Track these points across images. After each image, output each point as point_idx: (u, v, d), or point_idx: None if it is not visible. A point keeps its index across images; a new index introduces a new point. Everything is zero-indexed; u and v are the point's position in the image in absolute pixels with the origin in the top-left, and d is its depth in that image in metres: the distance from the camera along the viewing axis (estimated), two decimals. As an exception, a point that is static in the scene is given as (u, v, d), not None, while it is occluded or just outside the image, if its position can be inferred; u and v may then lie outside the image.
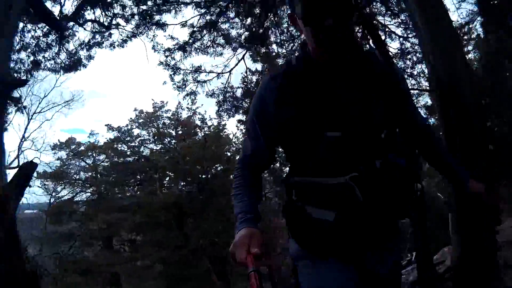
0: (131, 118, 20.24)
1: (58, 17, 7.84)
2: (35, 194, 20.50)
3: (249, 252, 1.36)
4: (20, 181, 4.67)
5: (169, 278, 17.00)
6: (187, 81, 10.53)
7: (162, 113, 20.19)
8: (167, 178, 20.09)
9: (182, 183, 19.51)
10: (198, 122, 19.94)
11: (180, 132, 20.14)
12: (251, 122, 1.68)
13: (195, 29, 9.38)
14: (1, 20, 4.53)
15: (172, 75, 10.27)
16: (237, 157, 1.85)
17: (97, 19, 8.85)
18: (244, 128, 2.18)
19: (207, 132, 19.54)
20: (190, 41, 9.50)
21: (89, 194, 20.59)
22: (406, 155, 1.63)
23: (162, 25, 9.11)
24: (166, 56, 9.74)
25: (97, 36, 9.02)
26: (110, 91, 53.83)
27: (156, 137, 20.09)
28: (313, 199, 1.54)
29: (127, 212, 17.47)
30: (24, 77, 8.25)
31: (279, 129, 1.59)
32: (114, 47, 9.22)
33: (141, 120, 20.23)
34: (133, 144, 20.34)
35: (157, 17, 9.02)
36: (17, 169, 5.16)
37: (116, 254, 18.72)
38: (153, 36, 9.23)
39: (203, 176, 18.70)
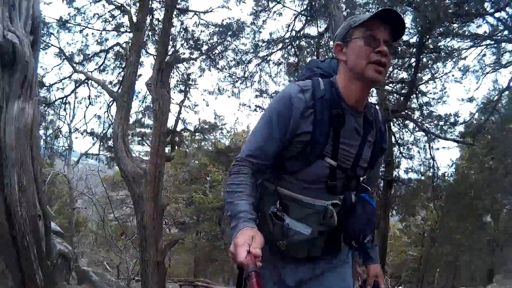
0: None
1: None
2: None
3: (249, 252, 1.37)
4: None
5: (199, 254, 21.39)
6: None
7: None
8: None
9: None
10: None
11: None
12: (269, 121, 1.67)
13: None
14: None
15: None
16: (239, 154, 1.80)
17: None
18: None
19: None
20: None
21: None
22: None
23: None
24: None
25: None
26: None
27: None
28: (295, 212, 1.63)
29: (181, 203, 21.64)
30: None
31: (291, 137, 1.64)
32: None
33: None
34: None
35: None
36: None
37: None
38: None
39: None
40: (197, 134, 14.87)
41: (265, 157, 1.70)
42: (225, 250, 19.57)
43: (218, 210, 19.80)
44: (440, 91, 11.56)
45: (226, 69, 11.68)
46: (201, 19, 10.40)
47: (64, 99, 11.42)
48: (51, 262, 3.26)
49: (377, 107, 1.88)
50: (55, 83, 11.14)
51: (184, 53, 10.94)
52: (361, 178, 1.76)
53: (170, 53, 8.63)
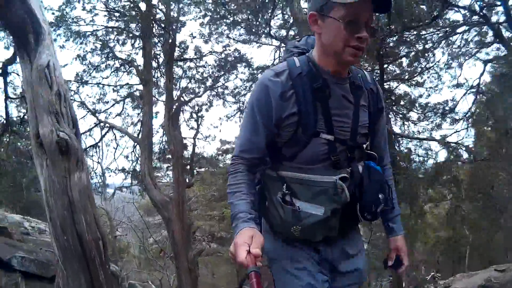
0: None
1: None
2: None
3: (249, 252, 1.38)
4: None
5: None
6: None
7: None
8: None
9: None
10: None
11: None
12: (251, 113, 1.67)
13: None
14: None
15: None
16: (233, 152, 1.79)
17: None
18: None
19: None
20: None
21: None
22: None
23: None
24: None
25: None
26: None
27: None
28: (303, 194, 1.61)
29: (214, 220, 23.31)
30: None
31: (277, 122, 1.63)
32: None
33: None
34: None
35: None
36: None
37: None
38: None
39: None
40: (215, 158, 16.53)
41: (257, 150, 1.69)
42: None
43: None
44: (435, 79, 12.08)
45: (228, 99, 12.96)
46: (198, 65, 11.80)
47: (95, 146, 13.20)
48: (108, 272, 4.91)
49: (364, 71, 1.85)
50: (84, 132, 12.94)
51: (191, 90, 12.74)
52: (364, 146, 1.74)
53: (176, 97, 10.46)
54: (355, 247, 1.82)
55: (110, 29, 11.23)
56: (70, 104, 4.40)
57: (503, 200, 14.01)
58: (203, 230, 22.38)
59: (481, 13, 9.54)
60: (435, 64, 11.63)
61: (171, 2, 10.39)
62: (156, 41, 10.53)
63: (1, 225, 6.98)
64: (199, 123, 12.64)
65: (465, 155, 13.31)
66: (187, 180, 11.04)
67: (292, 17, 9.86)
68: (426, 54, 10.82)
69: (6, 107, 9.86)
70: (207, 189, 25.37)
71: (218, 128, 16.38)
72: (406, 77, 12.23)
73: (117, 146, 13.24)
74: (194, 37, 10.80)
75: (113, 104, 12.78)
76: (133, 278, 18.45)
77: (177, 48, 11.22)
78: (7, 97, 9.74)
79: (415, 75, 12.07)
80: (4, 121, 9.85)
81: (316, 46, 1.68)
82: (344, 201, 1.58)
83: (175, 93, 11.30)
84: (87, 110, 12.54)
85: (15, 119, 10.38)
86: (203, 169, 15.10)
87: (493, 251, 17.36)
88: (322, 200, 1.58)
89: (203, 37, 10.81)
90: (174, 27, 9.64)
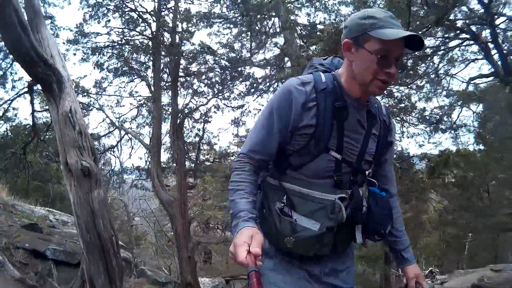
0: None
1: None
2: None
3: (249, 252, 1.36)
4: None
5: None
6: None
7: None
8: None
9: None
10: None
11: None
12: (269, 115, 1.66)
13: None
14: None
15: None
16: (241, 149, 1.78)
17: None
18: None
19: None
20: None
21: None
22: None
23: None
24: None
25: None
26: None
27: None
28: (302, 208, 1.62)
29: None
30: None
31: (293, 130, 1.63)
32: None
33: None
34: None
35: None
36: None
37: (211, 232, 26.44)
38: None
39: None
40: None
41: (267, 153, 1.69)
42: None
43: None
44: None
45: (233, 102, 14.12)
46: (201, 81, 13.01)
47: (112, 148, 15.09)
48: (120, 260, 6.53)
49: (381, 102, 1.88)
50: (103, 136, 14.76)
51: (195, 100, 14.30)
52: (367, 172, 1.76)
53: (181, 109, 12.13)
54: (344, 263, 1.85)
55: (125, 43, 12.71)
56: (89, 138, 5.95)
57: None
58: (216, 218, 23.76)
59: (470, 30, 9.85)
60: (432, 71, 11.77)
61: (177, 23, 12.01)
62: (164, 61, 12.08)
63: (32, 222, 8.15)
64: (204, 128, 14.30)
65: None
66: (191, 181, 12.71)
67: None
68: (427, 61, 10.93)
69: (33, 118, 11.62)
70: (217, 182, 27.25)
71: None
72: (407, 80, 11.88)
73: (132, 148, 15.08)
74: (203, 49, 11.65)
75: (130, 109, 14.53)
76: (148, 264, 20.37)
77: (183, 61, 12.76)
78: (33, 110, 11.51)
79: (416, 78, 11.88)
80: (32, 130, 11.61)
81: (344, 70, 1.69)
82: (340, 220, 1.62)
83: (181, 102, 12.81)
84: (106, 116, 14.31)
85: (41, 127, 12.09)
86: (211, 162, 16.58)
87: (501, 250, 17.73)
88: (320, 216, 1.60)
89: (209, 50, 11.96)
90: (177, 51, 11.18)
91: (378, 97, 1.93)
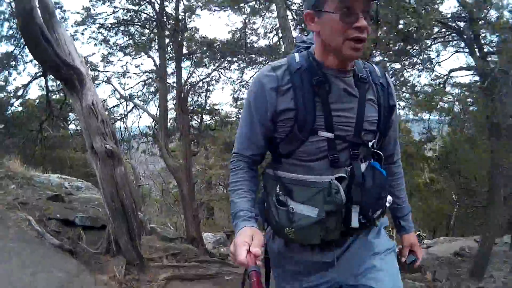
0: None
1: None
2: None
3: (249, 251, 1.36)
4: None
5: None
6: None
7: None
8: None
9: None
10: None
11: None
12: (248, 109, 1.64)
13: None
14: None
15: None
16: (233, 149, 1.77)
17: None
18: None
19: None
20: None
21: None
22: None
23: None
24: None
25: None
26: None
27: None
28: (298, 195, 1.56)
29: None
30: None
31: (273, 118, 1.59)
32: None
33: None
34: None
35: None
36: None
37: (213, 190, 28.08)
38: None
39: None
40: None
41: (256, 147, 1.67)
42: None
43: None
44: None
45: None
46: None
47: (122, 118, 16.33)
48: (138, 222, 7.81)
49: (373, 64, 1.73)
50: (114, 106, 16.03)
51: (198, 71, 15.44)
52: (370, 143, 1.63)
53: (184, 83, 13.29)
54: (373, 248, 1.69)
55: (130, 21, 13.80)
56: (110, 125, 7.04)
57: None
58: (218, 176, 25.51)
59: (455, 25, 10.19)
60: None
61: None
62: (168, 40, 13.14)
63: (56, 193, 8.80)
64: (206, 97, 15.52)
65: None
66: (195, 149, 14.06)
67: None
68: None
69: (48, 98, 12.78)
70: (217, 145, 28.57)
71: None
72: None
73: (139, 117, 16.29)
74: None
75: (137, 83, 15.66)
76: (154, 221, 21.99)
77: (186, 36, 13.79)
78: (48, 91, 12.67)
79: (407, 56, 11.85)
80: (47, 108, 12.78)
81: (316, 45, 1.62)
82: (340, 203, 1.51)
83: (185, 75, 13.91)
84: (114, 88, 15.47)
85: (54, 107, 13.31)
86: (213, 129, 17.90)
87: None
88: (317, 201, 1.52)
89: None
90: (181, 31, 12.25)
91: None
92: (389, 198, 1.72)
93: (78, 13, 13.05)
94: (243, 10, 13.13)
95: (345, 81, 1.59)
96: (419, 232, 17.43)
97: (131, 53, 13.84)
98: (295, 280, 1.76)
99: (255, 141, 1.67)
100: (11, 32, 11.82)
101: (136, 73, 14.63)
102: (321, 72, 1.57)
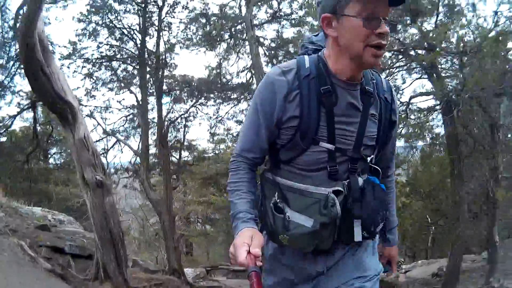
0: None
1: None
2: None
3: (249, 252, 1.35)
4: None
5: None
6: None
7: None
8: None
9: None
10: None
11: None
12: (254, 111, 1.59)
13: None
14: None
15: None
16: (235, 149, 1.72)
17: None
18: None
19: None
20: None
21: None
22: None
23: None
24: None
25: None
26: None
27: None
28: (295, 203, 1.54)
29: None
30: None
31: (278, 124, 1.55)
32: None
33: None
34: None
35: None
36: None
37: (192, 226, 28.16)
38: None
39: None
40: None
41: (259, 150, 1.64)
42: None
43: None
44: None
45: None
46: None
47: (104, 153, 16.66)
48: (125, 251, 8.15)
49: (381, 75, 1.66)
50: (97, 140, 16.36)
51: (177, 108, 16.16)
52: (369, 158, 1.60)
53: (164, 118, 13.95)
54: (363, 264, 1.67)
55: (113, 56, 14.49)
56: (100, 157, 7.54)
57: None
58: (197, 212, 25.61)
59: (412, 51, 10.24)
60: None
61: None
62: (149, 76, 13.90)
63: (43, 223, 8.92)
64: (185, 133, 16.17)
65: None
66: (174, 183, 14.61)
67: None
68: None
69: (35, 131, 13.16)
70: (195, 180, 28.99)
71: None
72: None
73: (122, 151, 16.69)
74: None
75: (119, 118, 16.17)
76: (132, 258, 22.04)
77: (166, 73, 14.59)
78: (35, 123, 13.06)
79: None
80: (35, 141, 13.14)
81: (330, 50, 1.54)
82: (334, 216, 1.48)
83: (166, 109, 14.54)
84: (97, 123, 15.87)
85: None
86: (191, 165, 18.41)
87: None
88: (313, 212, 1.50)
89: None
90: (162, 68, 13.02)
91: None
92: None
93: (65, 47, 13.90)
94: (218, 47, 13.97)
95: (352, 94, 1.54)
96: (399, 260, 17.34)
97: (114, 88, 14.43)
98: None
99: (259, 145, 1.62)
100: (1, 61, 12.21)
101: (118, 108, 15.20)
102: (329, 82, 1.52)
